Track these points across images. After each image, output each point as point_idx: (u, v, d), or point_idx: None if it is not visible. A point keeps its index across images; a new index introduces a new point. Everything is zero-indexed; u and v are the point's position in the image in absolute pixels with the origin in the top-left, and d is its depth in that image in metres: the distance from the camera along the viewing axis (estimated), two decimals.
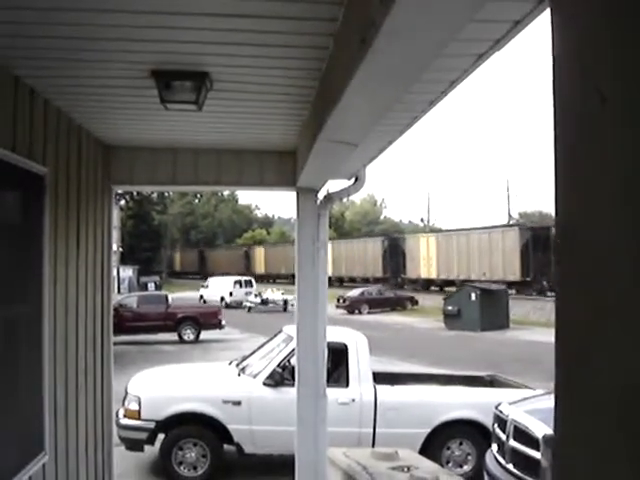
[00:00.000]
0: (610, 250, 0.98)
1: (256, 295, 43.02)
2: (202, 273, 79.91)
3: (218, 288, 45.65)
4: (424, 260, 51.03)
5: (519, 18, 2.92)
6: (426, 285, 51.76)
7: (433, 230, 65.34)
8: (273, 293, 43.37)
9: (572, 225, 1.10)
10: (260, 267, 73.97)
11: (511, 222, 64.60)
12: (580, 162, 1.07)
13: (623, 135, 0.94)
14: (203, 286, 49.02)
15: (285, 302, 40.78)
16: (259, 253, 76.24)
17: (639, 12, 0.90)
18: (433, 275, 50.70)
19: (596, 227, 1.01)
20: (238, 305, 37.63)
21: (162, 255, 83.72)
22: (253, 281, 48.37)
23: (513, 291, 39.89)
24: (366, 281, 55.49)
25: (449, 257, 48.29)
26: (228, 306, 40.58)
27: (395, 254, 55.02)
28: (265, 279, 67.80)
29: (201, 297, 46.46)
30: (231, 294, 42.97)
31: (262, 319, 34.09)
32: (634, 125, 0.91)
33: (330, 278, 52.12)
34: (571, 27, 1.09)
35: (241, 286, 45.52)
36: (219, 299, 42.80)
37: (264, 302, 41.25)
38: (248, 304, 39.69)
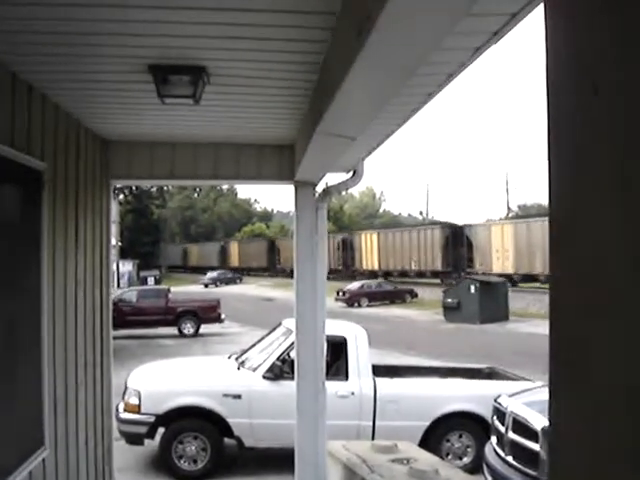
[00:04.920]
0: (602, 239, 0.98)
1: None
2: (271, 268, 69.36)
3: None
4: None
5: (516, 11, 2.92)
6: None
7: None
8: None
9: (565, 216, 1.10)
10: (368, 261, 55.47)
11: (510, 214, 64.59)
12: (573, 152, 1.07)
13: (615, 124, 0.95)
14: None
15: None
16: (367, 241, 56.54)
17: (633, 3, 0.90)
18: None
19: (590, 216, 1.02)
20: None
21: (162, 249, 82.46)
22: None
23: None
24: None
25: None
26: None
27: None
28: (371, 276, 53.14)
29: None
30: None
31: (261, 313, 34.08)
32: (626, 114, 0.92)
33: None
34: (564, 19, 1.10)
35: None
36: None
37: None
38: None
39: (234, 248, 78.37)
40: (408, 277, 51.09)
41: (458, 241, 46.75)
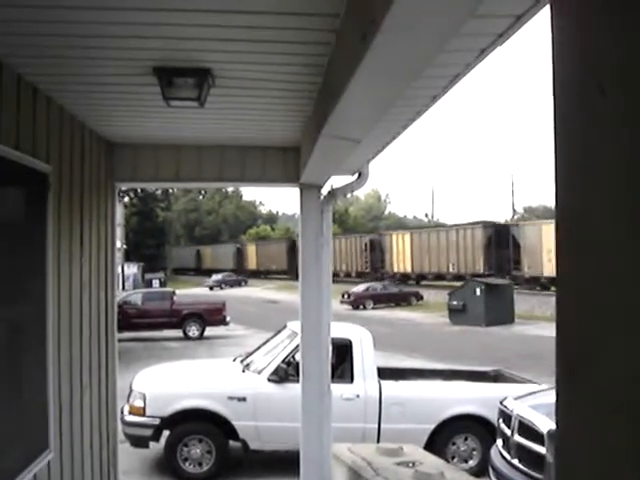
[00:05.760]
0: (609, 240, 0.97)
1: None
2: (292, 271, 58.87)
3: None
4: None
5: (521, 12, 2.91)
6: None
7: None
8: None
9: (572, 217, 1.09)
10: (400, 264, 52.36)
11: (515, 217, 64.47)
12: (579, 152, 1.07)
13: (622, 125, 0.94)
14: None
15: None
16: (398, 242, 52.95)
17: (637, 6, 0.90)
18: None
19: (597, 217, 1.01)
20: None
21: (171, 251, 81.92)
22: None
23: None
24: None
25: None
26: None
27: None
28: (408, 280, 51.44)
29: None
30: None
31: (266, 315, 34.09)
32: (632, 115, 0.91)
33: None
34: (570, 20, 1.09)
35: None
36: None
37: None
38: None
39: (251, 250, 73.62)
40: (445, 280, 47.51)
41: (502, 241, 43.49)
